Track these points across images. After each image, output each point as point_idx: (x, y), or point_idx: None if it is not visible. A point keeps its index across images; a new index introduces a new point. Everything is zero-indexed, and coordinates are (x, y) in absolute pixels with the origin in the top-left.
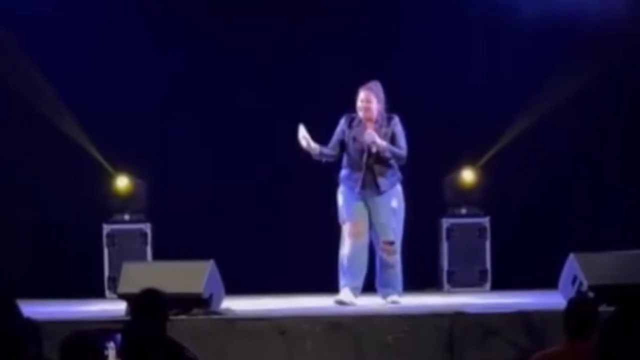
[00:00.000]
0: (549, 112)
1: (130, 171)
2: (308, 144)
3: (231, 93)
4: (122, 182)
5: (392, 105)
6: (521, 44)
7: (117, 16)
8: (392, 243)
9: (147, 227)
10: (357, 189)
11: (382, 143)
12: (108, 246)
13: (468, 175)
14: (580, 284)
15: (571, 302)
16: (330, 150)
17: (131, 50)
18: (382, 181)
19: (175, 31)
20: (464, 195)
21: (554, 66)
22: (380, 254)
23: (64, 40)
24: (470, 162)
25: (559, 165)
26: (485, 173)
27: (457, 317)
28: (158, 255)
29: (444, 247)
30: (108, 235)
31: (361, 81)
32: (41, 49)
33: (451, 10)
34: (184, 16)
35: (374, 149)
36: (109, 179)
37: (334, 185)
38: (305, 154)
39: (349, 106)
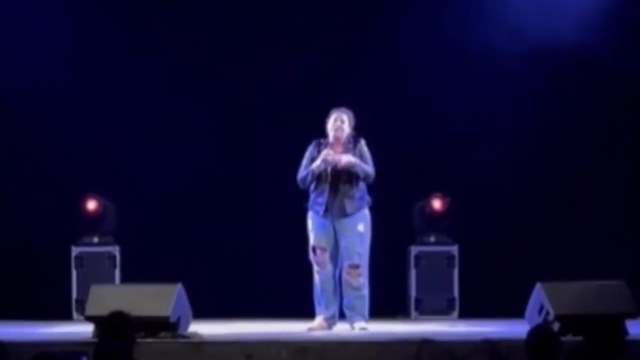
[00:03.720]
0: (518, 141)
1: (100, 194)
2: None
3: (203, 117)
4: (91, 205)
5: (364, 132)
6: (492, 75)
7: (91, 34)
8: (356, 267)
9: (115, 250)
10: (321, 212)
11: (348, 159)
12: (76, 268)
13: (437, 204)
14: (547, 313)
15: (531, 332)
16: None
17: (104, 73)
18: (348, 202)
19: (150, 53)
20: (433, 223)
21: (525, 97)
22: (344, 276)
23: (36, 59)
24: (440, 190)
25: (528, 195)
26: (455, 202)
27: (425, 344)
28: (126, 278)
29: (412, 274)
30: (76, 258)
31: (332, 106)
32: (13, 65)
33: (424, 40)
34: (160, 39)
35: (339, 165)
36: (78, 201)
37: (305, 211)
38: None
39: (321, 132)
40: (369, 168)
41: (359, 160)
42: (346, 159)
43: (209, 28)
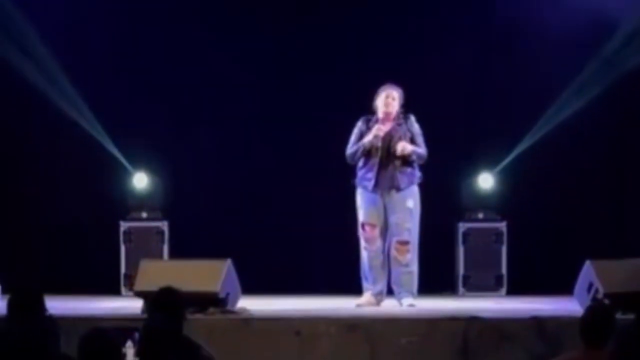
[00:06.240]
0: (567, 117)
1: (148, 169)
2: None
3: (249, 93)
4: (140, 180)
5: (412, 108)
6: (540, 50)
7: (138, 15)
8: (405, 243)
9: (164, 225)
10: (371, 187)
11: (410, 148)
12: (125, 243)
13: (485, 180)
14: (596, 291)
15: (588, 310)
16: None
17: (151, 51)
18: (400, 177)
19: (196, 34)
20: (481, 200)
21: (574, 72)
22: (392, 252)
23: (85, 39)
24: (488, 167)
25: (576, 171)
26: (503, 178)
27: (472, 321)
28: (174, 253)
29: (460, 251)
30: (125, 233)
31: (381, 84)
32: (63, 47)
33: (472, 16)
34: (204, 18)
35: (407, 151)
36: (127, 177)
37: (352, 187)
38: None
39: (368, 110)
40: (422, 151)
41: (411, 143)
42: (407, 147)
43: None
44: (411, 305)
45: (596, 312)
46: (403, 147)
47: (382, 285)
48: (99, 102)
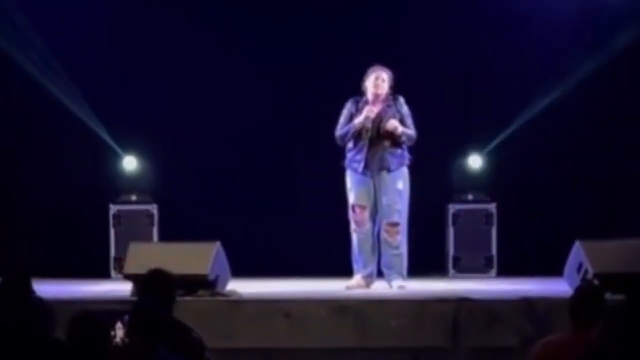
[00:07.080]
0: (557, 98)
1: (138, 152)
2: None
3: (240, 76)
4: (130, 163)
5: (402, 90)
6: (532, 33)
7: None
8: (396, 225)
9: (153, 208)
10: (361, 169)
11: (401, 129)
12: (114, 227)
13: (475, 162)
14: (586, 271)
15: (578, 290)
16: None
17: (141, 34)
18: (390, 159)
19: (185, 14)
20: (471, 182)
21: (564, 53)
22: (383, 235)
23: (77, 24)
24: (478, 148)
25: (566, 152)
26: (493, 159)
27: (462, 303)
28: (164, 236)
29: (450, 233)
30: (115, 216)
31: (372, 64)
32: (55, 32)
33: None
34: (198, 5)
35: (398, 131)
36: (117, 160)
37: (342, 170)
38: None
39: (358, 92)
40: (412, 133)
41: (401, 124)
42: (398, 128)
43: None
44: (401, 287)
45: (585, 292)
46: (394, 124)
47: (372, 268)
48: (89, 86)
